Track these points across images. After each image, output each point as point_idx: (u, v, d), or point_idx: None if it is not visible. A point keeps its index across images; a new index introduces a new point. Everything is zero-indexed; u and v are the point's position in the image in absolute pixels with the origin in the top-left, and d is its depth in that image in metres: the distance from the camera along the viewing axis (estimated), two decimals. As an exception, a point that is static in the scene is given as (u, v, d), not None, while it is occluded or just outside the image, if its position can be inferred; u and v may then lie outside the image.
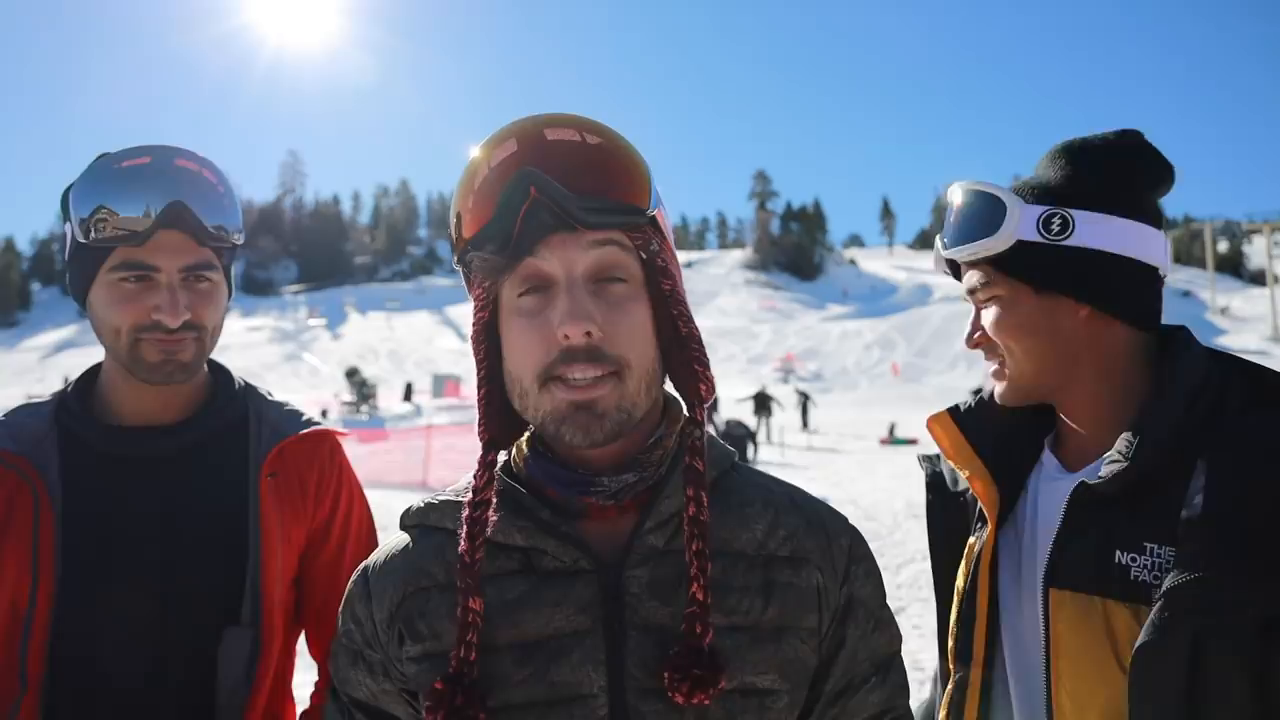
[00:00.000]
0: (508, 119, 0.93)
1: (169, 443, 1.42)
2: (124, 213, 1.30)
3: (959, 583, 1.40)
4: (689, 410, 1.01)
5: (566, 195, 0.88)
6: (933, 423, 1.47)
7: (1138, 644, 1.08)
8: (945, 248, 1.37)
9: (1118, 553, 1.17)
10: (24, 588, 1.30)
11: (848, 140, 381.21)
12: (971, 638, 1.36)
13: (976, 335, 1.35)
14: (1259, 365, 1.23)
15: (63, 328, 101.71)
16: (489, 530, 0.94)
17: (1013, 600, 1.33)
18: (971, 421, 1.44)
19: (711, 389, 1.00)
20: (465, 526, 0.93)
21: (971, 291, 1.35)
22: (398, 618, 0.97)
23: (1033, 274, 1.30)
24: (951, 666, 1.37)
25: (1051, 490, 1.33)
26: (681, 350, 1.00)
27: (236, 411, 1.50)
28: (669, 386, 1.04)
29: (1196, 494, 1.13)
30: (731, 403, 27.04)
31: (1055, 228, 1.30)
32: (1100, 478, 1.20)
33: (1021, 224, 1.30)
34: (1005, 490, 1.38)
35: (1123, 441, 1.21)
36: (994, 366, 1.35)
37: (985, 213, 1.32)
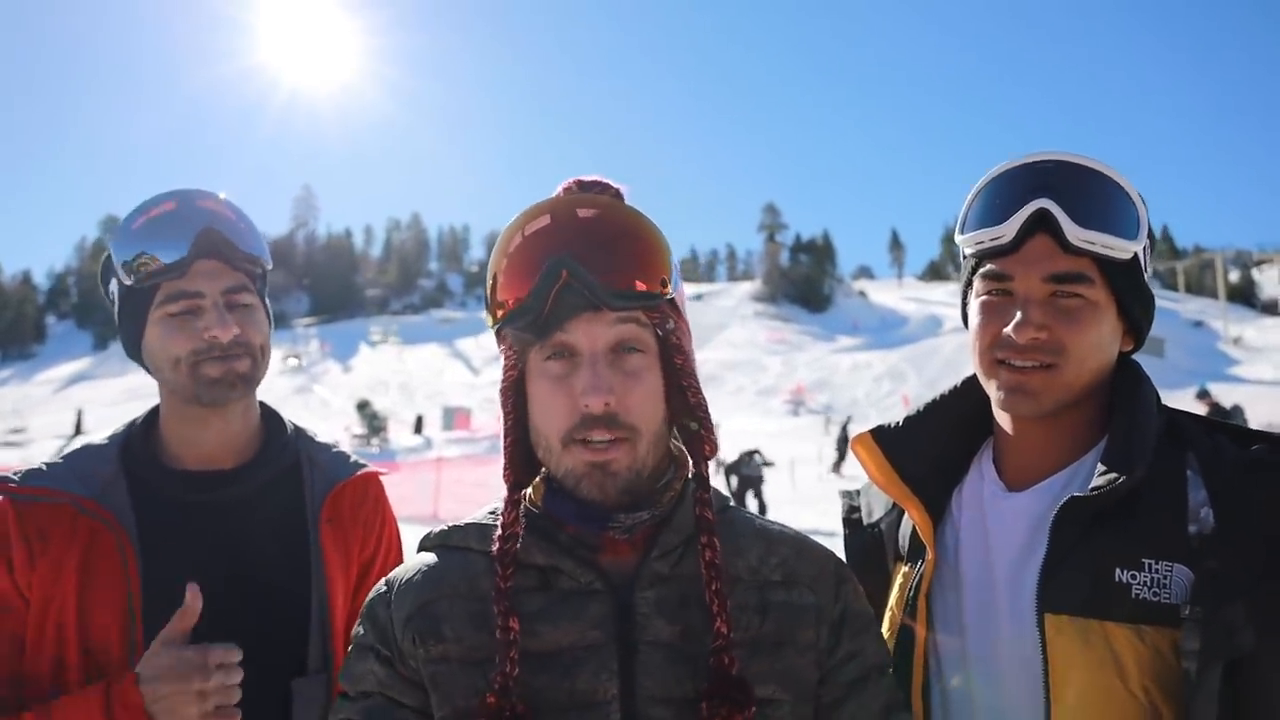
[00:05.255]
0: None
1: (233, 490, 1.46)
2: (163, 254, 1.40)
3: (891, 614, 1.34)
4: (694, 465, 1.12)
5: (594, 283, 0.99)
6: (858, 446, 1.37)
7: (1192, 669, 1.02)
8: (1075, 223, 1.13)
9: (1117, 570, 1.10)
10: (114, 634, 1.32)
11: (857, 173, 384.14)
12: (911, 669, 1.28)
13: (1042, 334, 1.16)
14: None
15: (77, 360, 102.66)
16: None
17: (955, 628, 1.26)
18: (898, 443, 1.35)
19: (715, 449, 1.13)
20: (498, 558, 1.05)
21: (1060, 279, 1.16)
22: (415, 618, 1.06)
23: (1131, 295, 1.19)
24: None
25: (1003, 510, 1.27)
26: (688, 416, 1.12)
27: (289, 456, 1.56)
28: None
29: (1201, 507, 1.10)
30: (743, 436, 26.80)
31: (1149, 259, 1.21)
32: (1095, 490, 1.13)
33: (1140, 240, 1.17)
34: (935, 515, 1.32)
35: (1111, 454, 1.16)
36: (1025, 367, 1.18)
37: (1120, 209, 1.16)
